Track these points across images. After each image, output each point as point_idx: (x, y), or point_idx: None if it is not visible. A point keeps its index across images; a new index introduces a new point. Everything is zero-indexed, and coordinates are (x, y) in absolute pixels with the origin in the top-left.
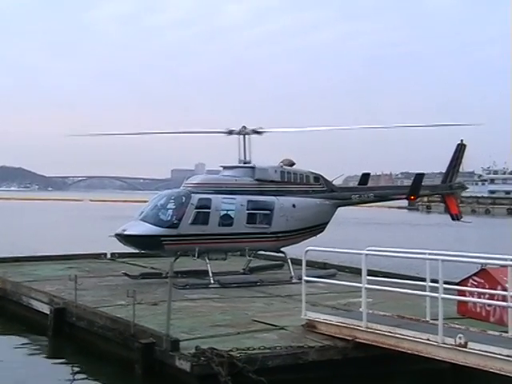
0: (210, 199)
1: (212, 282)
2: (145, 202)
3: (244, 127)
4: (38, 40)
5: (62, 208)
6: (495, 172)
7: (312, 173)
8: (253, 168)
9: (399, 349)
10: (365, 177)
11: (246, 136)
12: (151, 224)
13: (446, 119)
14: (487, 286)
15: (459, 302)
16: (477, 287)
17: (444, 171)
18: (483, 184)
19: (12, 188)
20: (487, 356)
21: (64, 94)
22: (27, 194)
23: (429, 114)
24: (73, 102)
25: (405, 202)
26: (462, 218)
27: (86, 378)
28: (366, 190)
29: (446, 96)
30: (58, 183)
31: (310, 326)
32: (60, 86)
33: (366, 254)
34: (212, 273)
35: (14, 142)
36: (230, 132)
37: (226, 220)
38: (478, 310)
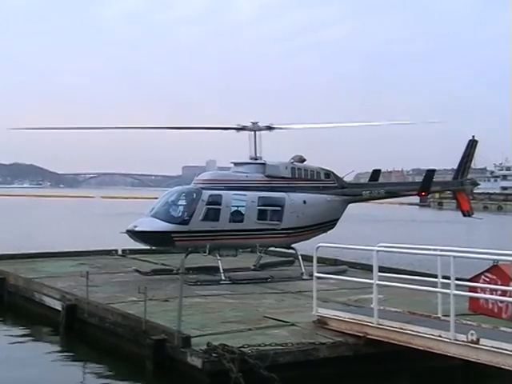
0: (220, 195)
1: (223, 278)
2: (156, 198)
3: (255, 123)
4: (48, 38)
5: (74, 205)
6: (508, 168)
7: (323, 169)
8: (263, 164)
9: (410, 345)
10: (376, 173)
11: (257, 132)
12: (162, 220)
13: (452, 118)
14: (499, 283)
15: (471, 298)
16: (489, 283)
17: (456, 168)
18: (495, 180)
19: (24, 185)
20: (499, 353)
21: (74, 90)
22: (39, 190)
23: (436, 112)
24: (83, 98)
25: (416, 199)
26: (473, 214)
27: (98, 375)
28: (377, 186)
29: (453, 94)
30: (70, 180)
31: (321, 323)
32: (70, 83)
33: (377, 251)
34: (223, 269)
35: (26, 139)
36: (241, 128)
37: (237, 216)
38: (490, 306)
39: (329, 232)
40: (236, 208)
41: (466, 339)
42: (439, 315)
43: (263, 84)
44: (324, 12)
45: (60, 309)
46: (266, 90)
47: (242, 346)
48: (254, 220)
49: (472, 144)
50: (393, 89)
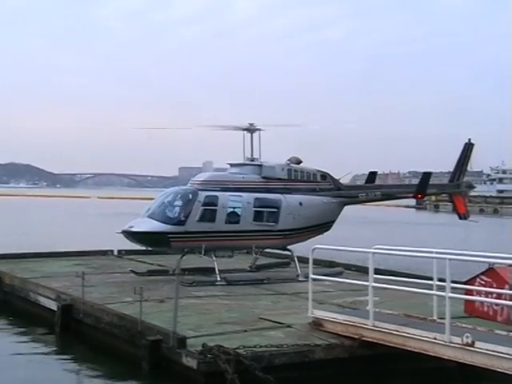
0: (216, 196)
1: (219, 279)
2: (152, 199)
3: (251, 124)
4: (47, 38)
5: (70, 205)
6: (504, 171)
7: (319, 171)
8: (260, 165)
9: (406, 347)
10: (372, 175)
11: (253, 133)
12: (158, 221)
13: (452, 117)
14: (495, 285)
15: (466, 301)
16: (484, 286)
17: (452, 170)
18: (491, 183)
19: (21, 185)
20: (494, 355)
21: (72, 91)
22: (36, 190)
23: (436, 113)
24: (81, 99)
25: (413, 201)
26: (469, 217)
27: (93, 375)
28: (373, 188)
29: (453, 95)
30: (67, 180)
31: (317, 324)
32: (68, 83)
33: (373, 253)
34: (219, 270)
35: (23, 139)
36: (237, 128)
37: (233, 217)
38: (486, 309)
39: (325, 234)
40: (232, 209)
41: (461, 342)
42: (435, 318)
43: (263, 84)
44: (324, 12)
45: (55, 309)
46: (266, 90)
47: (238, 347)
48: (250, 221)
49: (468, 147)
50: (393, 89)
